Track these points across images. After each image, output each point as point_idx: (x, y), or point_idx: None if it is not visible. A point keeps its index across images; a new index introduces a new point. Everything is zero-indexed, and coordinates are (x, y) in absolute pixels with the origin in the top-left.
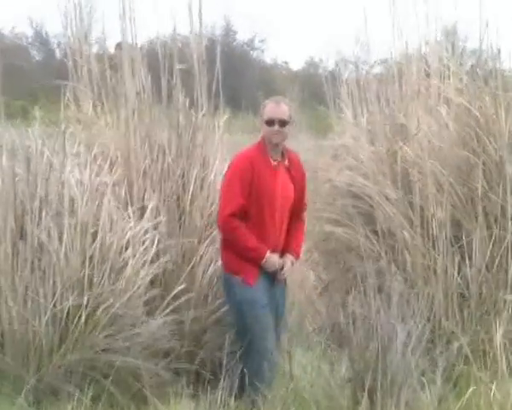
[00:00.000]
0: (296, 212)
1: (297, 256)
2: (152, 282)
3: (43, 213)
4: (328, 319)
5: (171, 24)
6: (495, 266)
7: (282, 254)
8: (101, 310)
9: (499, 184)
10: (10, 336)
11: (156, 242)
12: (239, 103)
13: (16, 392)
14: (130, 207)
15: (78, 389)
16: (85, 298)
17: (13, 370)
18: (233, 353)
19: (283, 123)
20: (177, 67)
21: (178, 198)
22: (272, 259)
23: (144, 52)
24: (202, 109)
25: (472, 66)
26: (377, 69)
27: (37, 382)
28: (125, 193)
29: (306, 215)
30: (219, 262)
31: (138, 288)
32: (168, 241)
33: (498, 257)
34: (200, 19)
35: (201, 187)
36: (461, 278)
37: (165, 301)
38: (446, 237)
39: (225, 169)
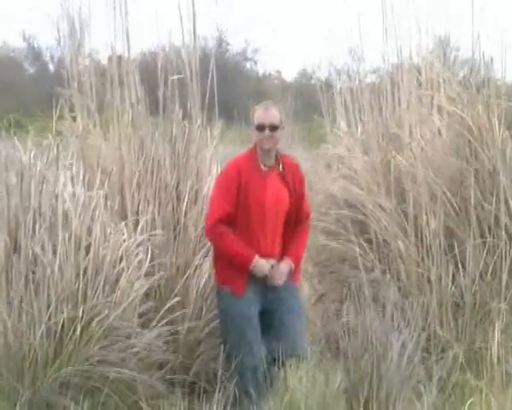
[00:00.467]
0: (296, 218)
1: (295, 260)
2: (147, 294)
3: (37, 226)
4: (322, 330)
5: (165, 35)
6: (489, 275)
7: (280, 261)
8: (95, 322)
9: (492, 192)
10: (5, 350)
11: (150, 254)
12: (232, 115)
13: (11, 405)
14: (124, 220)
15: (74, 401)
16: (80, 310)
17: (7, 383)
18: (228, 364)
19: (274, 128)
20: (171, 78)
21: (173, 210)
22: (261, 263)
23: (138, 64)
24: (196, 121)
25: (464, 75)
26: (370, 79)
27: (32, 395)
28: (119, 205)
29: (310, 222)
30: (213, 274)
31: (133, 300)
32: (162, 253)
33: (492, 265)
34: (194, 30)
35: (196, 199)
36: (455, 287)
37: (160, 313)
38: (440, 246)
39: None
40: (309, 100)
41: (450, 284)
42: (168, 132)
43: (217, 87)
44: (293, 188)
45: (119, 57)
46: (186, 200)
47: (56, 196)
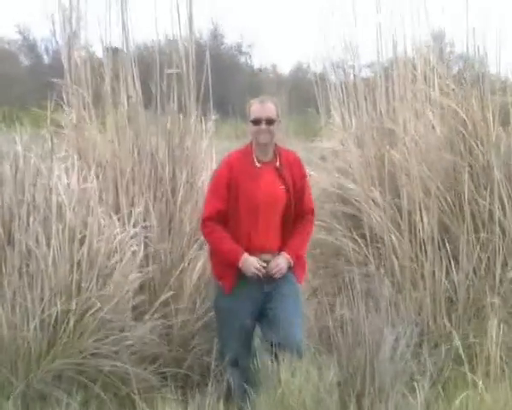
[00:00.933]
0: (296, 214)
1: (293, 255)
2: (140, 287)
3: (31, 219)
4: (316, 324)
5: (161, 28)
6: (482, 270)
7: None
8: (89, 315)
9: (486, 187)
10: None
11: (143, 247)
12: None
13: (4, 397)
14: (118, 212)
15: (67, 394)
16: (74, 303)
17: (1, 375)
18: (221, 358)
19: (270, 121)
20: (167, 71)
21: (167, 203)
22: (250, 261)
23: (133, 57)
24: (191, 114)
25: (459, 70)
26: (365, 73)
27: (25, 387)
28: (114, 198)
29: (313, 218)
30: (208, 267)
31: (126, 293)
32: (157, 246)
33: (486, 260)
34: (191, 23)
35: (190, 192)
36: (449, 282)
37: (154, 307)
38: (434, 241)
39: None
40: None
41: (443, 278)
42: (163, 125)
43: (212, 81)
44: (292, 183)
45: (115, 50)
46: (181, 193)
47: (51, 189)
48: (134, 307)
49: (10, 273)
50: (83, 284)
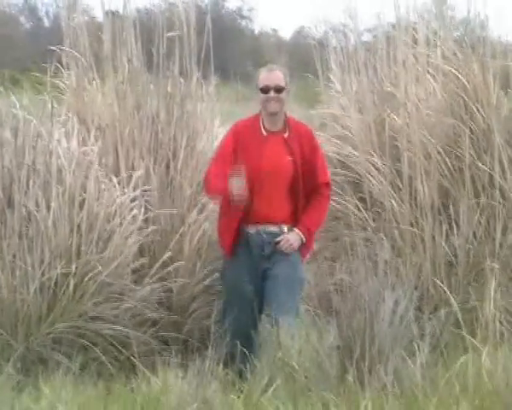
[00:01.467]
0: (307, 187)
1: (306, 231)
2: (140, 250)
3: (31, 182)
4: (316, 288)
5: None
6: (482, 234)
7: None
8: (88, 278)
9: (487, 152)
10: None
11: (144, 210)
12: (227, 72)
13: (4, 360)
14: (118, 176)
15: (67, 357)
16: (73, 266)
17: (1, 338)
18: (221, 321)
19: (279, 89)
20: (168, 34)
21: (167, 166)
22: (234, 182)
23: (134, 20)
24: (192, 77)
25: (460, 34)
26: (366, 37)
27: (25, 350)
28: (114, 161)
29: (329, 192)
30: (208, 231)
31: (126, 256)
32: (157, 209)
33: (486, 225)
34: None
35: (191, 156)
36: (448, 246)
37: (153, 269)
38: (434, 206)
39: (216, 137)
40: (305, 58)
41: (443, 243)
42: (164, 89)
43: (212, 44)
44: (301, 155)
45: (115, 13)
46: (181, 157)
47: (50, 152)
48: (134, 271)
49: (10, 236)
50: (83, 247)
